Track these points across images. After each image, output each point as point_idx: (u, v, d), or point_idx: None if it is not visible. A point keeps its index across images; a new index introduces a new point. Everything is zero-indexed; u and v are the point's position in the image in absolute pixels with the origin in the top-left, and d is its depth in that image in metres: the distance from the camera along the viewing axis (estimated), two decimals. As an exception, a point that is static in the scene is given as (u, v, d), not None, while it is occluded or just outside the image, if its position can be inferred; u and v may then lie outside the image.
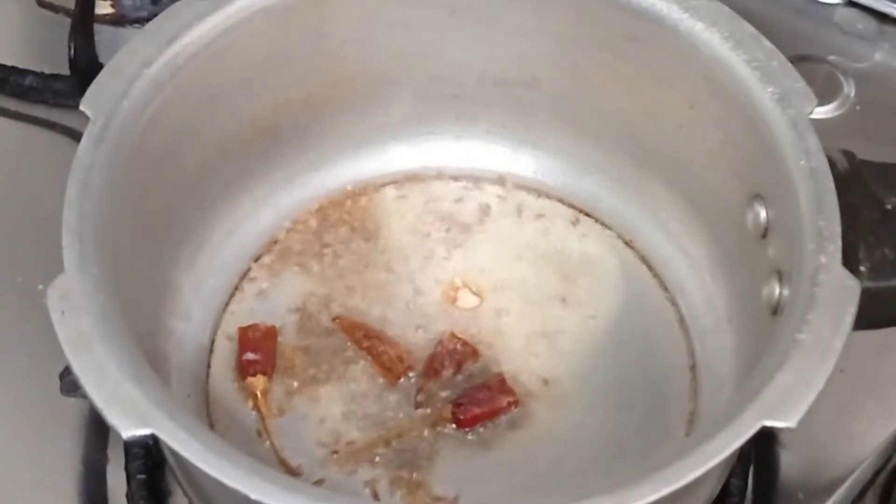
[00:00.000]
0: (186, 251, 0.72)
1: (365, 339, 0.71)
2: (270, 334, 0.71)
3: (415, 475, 0.67)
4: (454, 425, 0.68)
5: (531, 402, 0.70)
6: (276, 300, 0.73)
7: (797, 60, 0.67)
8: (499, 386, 0.69)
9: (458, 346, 0.71)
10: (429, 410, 0.69)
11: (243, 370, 0.70)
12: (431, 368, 0.70)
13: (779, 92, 0.65)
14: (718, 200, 0.71)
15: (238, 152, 0.73)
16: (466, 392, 0.69)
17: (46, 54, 0.83)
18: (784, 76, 0.66)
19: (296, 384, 0.70)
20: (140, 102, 0.64)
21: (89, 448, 0.70)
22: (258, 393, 0.69)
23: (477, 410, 0.68)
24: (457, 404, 0.68)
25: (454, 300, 0.73)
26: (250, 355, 0.70)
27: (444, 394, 0.69)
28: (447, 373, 0.70)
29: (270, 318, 0.72)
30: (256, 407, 0.69)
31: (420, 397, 0.69)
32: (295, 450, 0.68)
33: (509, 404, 0.69)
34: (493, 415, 0.68)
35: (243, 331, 0.71)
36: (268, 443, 0.68)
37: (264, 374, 0.70)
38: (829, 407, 0.57)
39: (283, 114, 0.74)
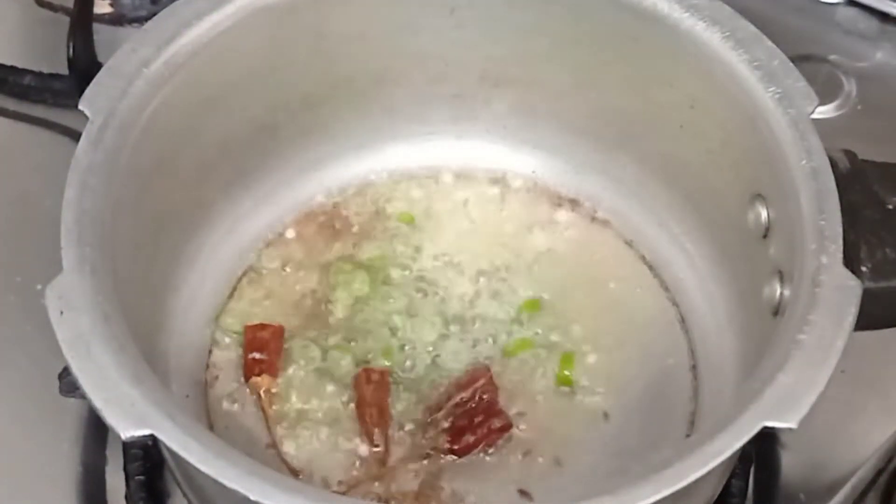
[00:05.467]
0: (186, 251, 0.72)
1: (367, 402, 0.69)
2: (277, 334, 0.71)
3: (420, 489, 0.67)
4: (452, 456, 0.68)
5: (532, 405, 0.70)
6: (276, 300, 0.73)
7: (798, 60, 0.67)
8: (490, 409, 0.68)
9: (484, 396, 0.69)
10: (425, 440, 0.68)
11: (249, 369, 0.70)
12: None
13: (780, 91, 0.65)
14: (719, 200, 0.71)
15: (238, 152, 0.73)
16: (458, 418, 0.68)
17: (45, 54, 0.83)
18: (785, 76, 0.65)
19: (295, 385, 0.70)
20: (139, 102, 0.64)
21: (88, 449, 0.70)
22: (262, 393, 0.69)
23: (471, 438, 0.68)
24: (450, 434, 0.68)
25: (454, 297, 0.73)
26: (256, 355, 0.70)
27: (444, 423, 0.69)
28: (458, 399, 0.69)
29: (269, 319, 0.72)
30: (261, 406, 0.69)
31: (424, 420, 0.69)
32: (297, 450, 0.68)
33: (502, 428, 0.68)
34: (486, 440, 0.68)
35: (250, 330, 0.71)
36: (269, 442, 0.68)
37: (269, 373, 0.70)
38: (830, 407, 0.57)
39: (282, 114, 0.73)
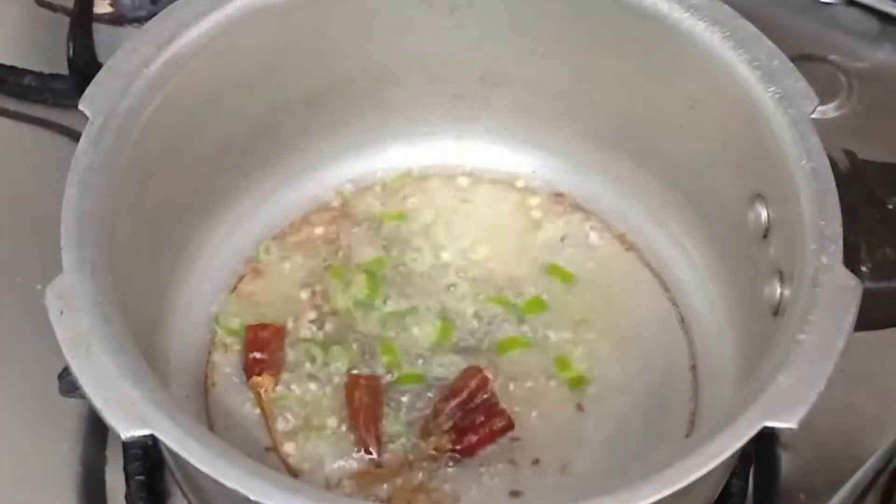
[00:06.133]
0: (186, 251, 0.72)
1: (356, 408, 0.69)
2: (278, 334, 0.71)
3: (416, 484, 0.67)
4: (455, 456, 0.68)
5: (533, 405, 0.70)
6: (276, 300, 0.73)
7: (798, 60, 0.67)
8: (492, 409, 0.68)
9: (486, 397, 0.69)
10: (430, 440, 0.68)
11: (249, 369, 0.70)
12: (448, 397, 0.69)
13: (780, 91, 0.65)
14: (719, 200, 0.71)
15: (238, 152, 0.73)
16: (459, 420, 0.68)
17: (45, 54, 0.83)
18: (785, 76, 0.65)
19: (295, 385, 0.70)
20: (139, 102, 0.64)
21: (88, 449, 0.70)
22: (262, 393, 0.69)
23: (473, 438, 0.68)
24: (453, 435, 0.68)
25: (454, 298, 0.73)
26: (257, 354, 0.70)
27: (445, 425, 0.69)
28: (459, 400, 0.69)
29: (269, 319, 0.72)
30: (261, 406, 0.69)
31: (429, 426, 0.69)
32: (297, 450, 0.68)
33: (504, 427, 0.68)
34: (489, 440, 0.68)
35: (252, 329, 0.71)
36: (269, 442, 0.68)
37: (270, 373, 0.70)
38: (830, 408, 0.57)
39: (282, 114, 0.73)
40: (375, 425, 0.68)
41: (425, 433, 0.68)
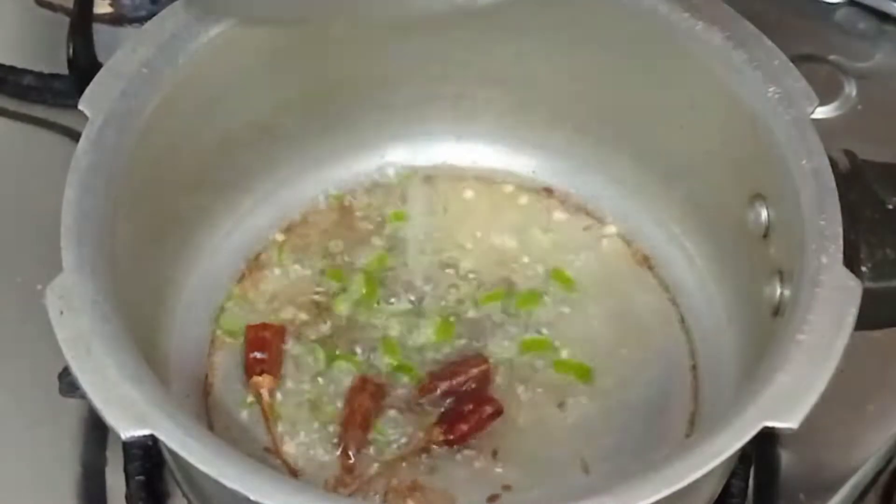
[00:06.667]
0: (186, 251, 0.72)
1: (353, 410, 0.69)
2: (279, 334, 0.71)
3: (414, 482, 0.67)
4: (446, 446, 0.68)
5: (532, 404, 0.70)
6: (277, 300, 0.73)
7: (798, 60, 0.67)
8: (480, 397, 0.69)
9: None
10: (420, 434, 0.68)
11: (250, 369, 0.70)
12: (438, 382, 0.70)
13: (780, 91, 0.65)
14: (719, 200, 0.71)
15: (238, 152, 0.73)
16: (448, 411, 0.68)
17: (45, 54, 0.83)
18: (785, 76, 0.66)
19: (296, 385, 0.70)
20: (139, 102, 0.64)
21: (88, 449, 0.70)
22: (262, 392, 0.69)
23: (465, 427, 0.68)
24: (444, 424, 0.68)
25: (454, 298, 0.73)
26: (258, 354, 0.70)
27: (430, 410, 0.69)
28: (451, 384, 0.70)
29: (270, 319, 0.72)
30: (261, 406, 0.69)
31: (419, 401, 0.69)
32: (297, 451, 0.68)
33: (493, 414, 0.68)
34: (480, 427, 0.68)
35: (252, 329, 0.71)
36: (269, 442, 0.68)
37: (271, 373, 0.70)
38: (830, 407, 0.57)
39: (283, 114, 0.73)
40: (366, 431, 0.68)
41: (414, 401, 0.68)
